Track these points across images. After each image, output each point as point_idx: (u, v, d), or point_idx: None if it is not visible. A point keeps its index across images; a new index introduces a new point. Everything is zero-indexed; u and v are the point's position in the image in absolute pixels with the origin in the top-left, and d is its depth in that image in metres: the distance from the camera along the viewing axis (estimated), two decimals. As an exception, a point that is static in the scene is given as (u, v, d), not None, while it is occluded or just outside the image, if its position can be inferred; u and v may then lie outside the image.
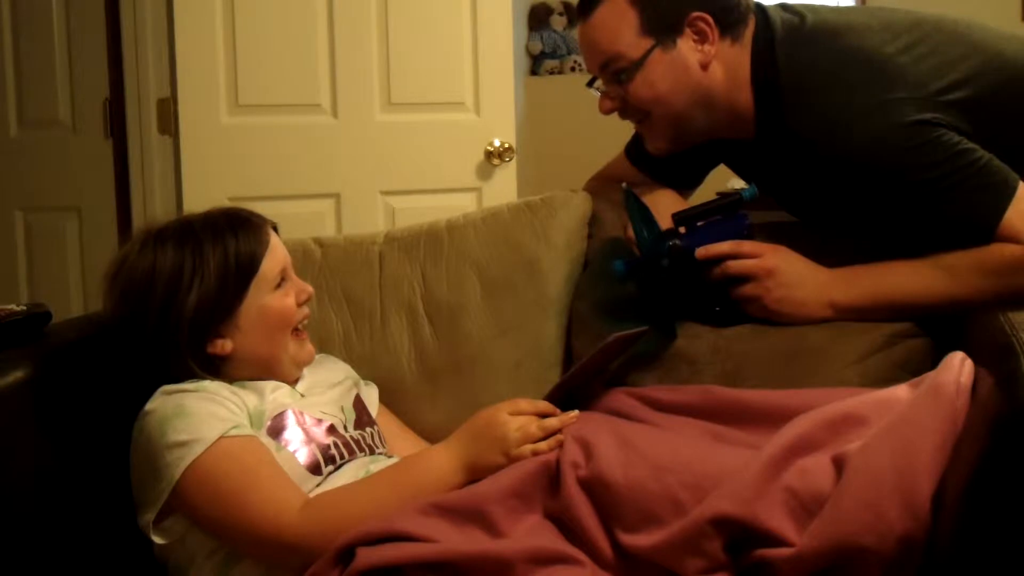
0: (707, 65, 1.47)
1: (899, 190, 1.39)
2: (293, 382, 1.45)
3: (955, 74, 1.42)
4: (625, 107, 1.52)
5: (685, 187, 1.73)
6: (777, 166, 1.52)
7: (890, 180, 1.39)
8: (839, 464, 1.10)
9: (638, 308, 1.52)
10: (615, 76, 1.49)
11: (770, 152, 1.51)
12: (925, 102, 1.39)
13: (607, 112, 1.54)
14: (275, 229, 1.45)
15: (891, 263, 1.43)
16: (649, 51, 1.45)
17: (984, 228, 1.37)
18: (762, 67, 1.47)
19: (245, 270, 1.36)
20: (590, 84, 1.57)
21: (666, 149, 1.57)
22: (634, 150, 1.74)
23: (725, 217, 1.47)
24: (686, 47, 1.46)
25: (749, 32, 1.49)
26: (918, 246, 1.41)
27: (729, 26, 1.48)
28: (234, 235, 1.37)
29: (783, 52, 1.46)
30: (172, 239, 1.37)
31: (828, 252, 1.48)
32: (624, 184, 1.53)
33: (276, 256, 1.40)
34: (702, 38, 1.47)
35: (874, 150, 1.38)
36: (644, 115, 1.53)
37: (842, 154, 1.40)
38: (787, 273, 1.44)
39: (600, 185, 1.77)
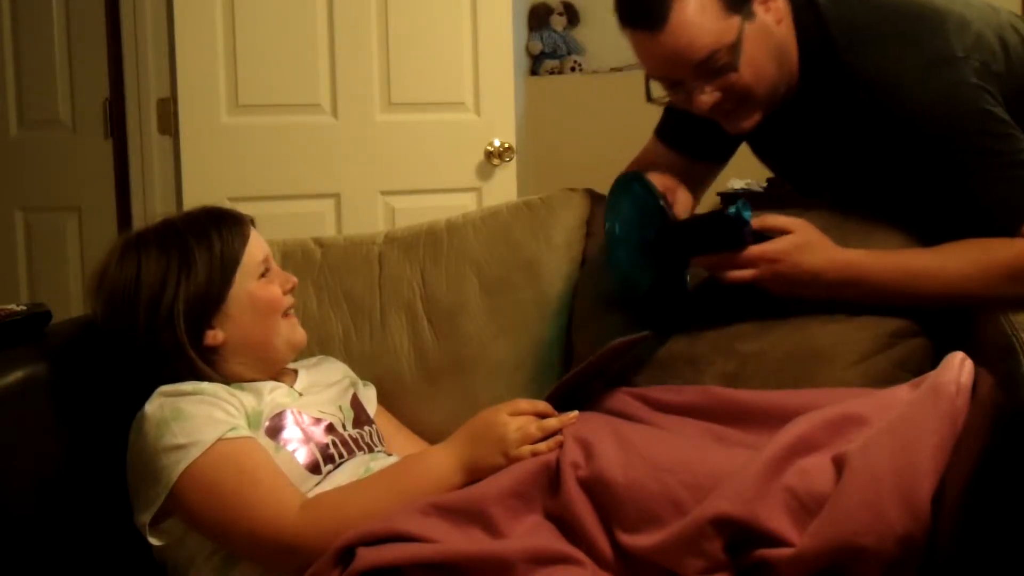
0: (781, 22, 1.42)
1: (946, 152, 1.35)
2: (291, 381, 1.45)
3: (994, 48, 1.40)
4: (729, 96, 1.42)
5: (719, 160, 1.72)
6: (815, 125, 1.48)
7: (943, 139, 1.35)
8: (839, 464, 1.10)
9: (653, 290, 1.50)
10: (714, 71, 1.40)
11: (811, 110, 1.47)
12: (983, 68, 1.36)
13: (710, 107, 1.43)
14: (252, 223, 1.47)
15: (906, 256, 1.41)
16: (740, 29, 1.38)
17: (1012, 221, 1.34)
18: (805, 19, 1.43)
19: (230, 261, 1.39)
20: (650, 98, 1.50)
21: (755, 125, 1.47)
22: (665, 131, 1.72)
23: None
24: (760, 11, 1.41)
25: None
26: (940, 224, 1.38)
27: None
28: (217, 230, 1.40)
29: (828, 2, 1.42)
30: (155, 242, 1.39)
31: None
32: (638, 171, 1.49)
33: (256, 247, 1.43)
34: None
35: (935, 106, 1.35)
36: (744, 98, 1.43)
37: (903, 104, 1.36)
38: (798, 269, 1.38)
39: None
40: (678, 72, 1.42)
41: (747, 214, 1.36)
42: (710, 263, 1.42)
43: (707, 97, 1.41)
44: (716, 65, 1.38)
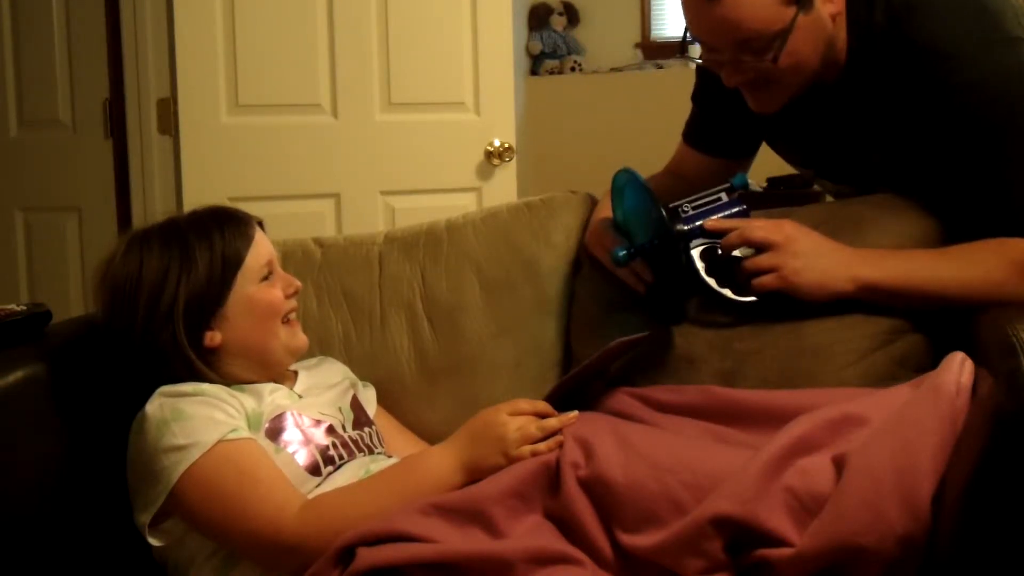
0: (836, 16, 1.41)
1: (991, 133, 1.34)
2: (291, 383, 1.45)
3: None
4: (758, 77, 1.43)
5: (744, 156, 1.73)
6: (855, 106, 1.47)
7: (989, 119, 1.33)
8: (839, 464, 1.10)
9: (642, 297, 1.50)
10: (754, 51, 1.39)
11: (854, 90, 1.46)
12: None
13: (737, 85, 1.45)
14: (261, 225, 1.47)
15: (923, 250, 1.40)
16: (793, 20, 1.36)
17: None
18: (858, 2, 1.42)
19: (231, 263, 1.38)
20: (683, 52, 1.49)
21: (777, 109, 1.49)
22: (691, 135, 1.73)
23: (721, 204, 1.45)
24: (819, 2, 1.39)
25: None
26: (963, 214, 1.37)
27: None
28: (220, 230, 1.40)
29: None
30: (158, 239, 1.39)
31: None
32: (617, 174, 1.48)
33: (260, 250, 1.42)
34: None
35: (991, 82, 1.33)
36: (775, 82, 1.44)
37: (957, 77, 1.34)
38: (806, 242, 1.39)
39: (669, 182, 1.72)
40: (719, 43, 1.41)
41: (739, 180, 1.41)
42: (729, 225, 1.40)
43: (738, 76, 1.43)
44: (757, 47, 1.38)
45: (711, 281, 1.43)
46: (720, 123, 1.64)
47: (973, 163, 1.37)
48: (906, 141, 1.45)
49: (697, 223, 1.43)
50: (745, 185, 1.44)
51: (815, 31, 1.39)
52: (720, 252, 1.42)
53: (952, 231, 1.42)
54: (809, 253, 1.38)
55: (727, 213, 1.44)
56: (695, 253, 1.43)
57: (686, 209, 1.45)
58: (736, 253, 1.42)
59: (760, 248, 1.39)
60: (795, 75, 1.42)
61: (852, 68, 1.46)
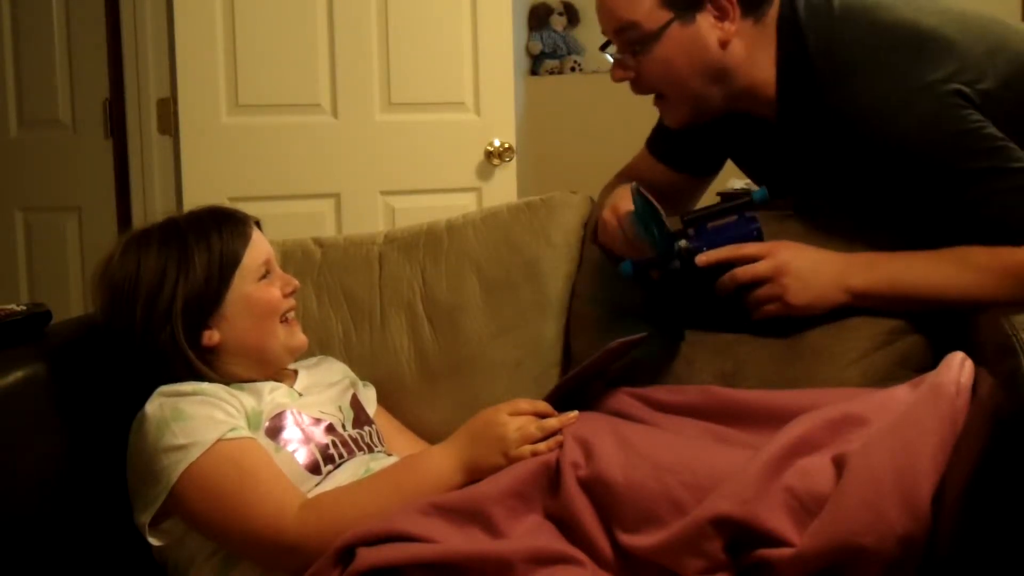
0: (726, 43, 1.42)
1: (939, 178, 1.34)
2: (291, 382, 1.45)
3: (981, 65, 1.38)
4: (638, 80, 1.47)
5: (706, 174, 1.73)
6: (799, 149, 1.48)
7: (932, 167, 1.34)
8: (839, 464, 1.10)
9: (645, 309, 1.51)
10: (629, 46, 1.44)
11: (793, 134, 1.47)
12: (965, 88, 1.35)
13: (618, 81, 1.48)
14: (258, 225, 1.47)
15: (914, 254, 1.40)
16: (666, 24, 1.39)
17: (1018, 231, 1.33)
18: (789, 48, 1.42)
19: (228, 262, 1.38)
20: (603, 48, 1.51)
21: (683, 124, 1.52)
22: (656, 145, 1.72)
23: (735, 220, 1.45)
24: (706, 24, 1.40)
25: (774, 12, 1.44)
26: (944, 238, 1.38)
27: (751, 6, 1.42)
28: (217, 230, 1.40)
29: (813, 32, 1.41)
30: (156, 239, 1.39)
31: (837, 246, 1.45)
32: (633, 184, 1.48)
33: (258, 249, 1.42)
34: (723, 15, 1.41)
35: (916, 136, 1.34)
36: (655, 91, 1.48)
37: (885, 136, 1.36)
38: (800, 267, 1.39)
39: (622, 183, 1.74)
40: (606, 28, 1.47)
41: (759, 195, 1.40)
42: (719, 256, 1.41)
43: (620, 71, 1.47)
44: (627, 40, 1.43)
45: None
46: (686, 138, 1.63)
47: (932, 199, 1.37)
48: (853, 187, 1.44)
49: (703, 242, 1.43)
50: (765, 201, 1.42)
51: (692, 47, 1.41)
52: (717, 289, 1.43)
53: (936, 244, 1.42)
54: (804, 276, 1.39)
55: (736, 231, 1.43)
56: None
57: (699, 225, 1.45)
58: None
59: (757, 282, 1.40)
60: (674, 89, 1.45)
61: (785, 115, 1.46)
